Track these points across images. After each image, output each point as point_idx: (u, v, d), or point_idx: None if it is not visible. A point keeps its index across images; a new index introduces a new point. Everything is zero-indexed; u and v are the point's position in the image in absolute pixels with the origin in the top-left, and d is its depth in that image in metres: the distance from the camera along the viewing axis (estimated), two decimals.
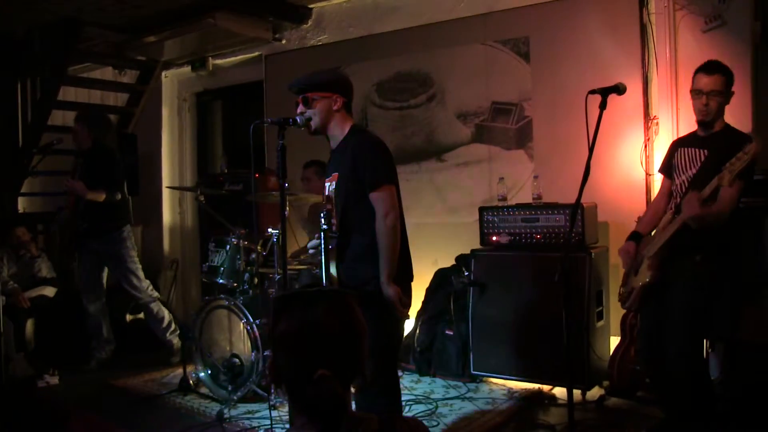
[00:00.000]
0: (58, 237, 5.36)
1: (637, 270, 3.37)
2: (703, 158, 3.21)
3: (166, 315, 5.41)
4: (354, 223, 2.98)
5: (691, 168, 3.26)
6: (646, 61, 4.46)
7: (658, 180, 4.35)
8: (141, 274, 5.39)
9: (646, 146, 4.46)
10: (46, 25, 6.04)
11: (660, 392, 3.51)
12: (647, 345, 3.47)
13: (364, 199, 2.93)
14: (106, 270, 5.42)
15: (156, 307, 5.38)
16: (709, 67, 3.23)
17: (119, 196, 5.23)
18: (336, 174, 3.03)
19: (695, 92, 3.23)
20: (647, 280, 3.25)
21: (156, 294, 5.45)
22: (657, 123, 4.43)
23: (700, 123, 3.29)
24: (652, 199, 4.31)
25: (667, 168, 3.49)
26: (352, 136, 3.03)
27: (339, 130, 3.04)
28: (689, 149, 3.31)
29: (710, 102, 3.19)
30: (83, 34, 6.05)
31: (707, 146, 3.22)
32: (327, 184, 3.12)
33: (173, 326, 5.44)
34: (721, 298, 3.24)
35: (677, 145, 3.45)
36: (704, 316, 3.19)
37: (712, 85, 3.19)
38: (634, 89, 4.35)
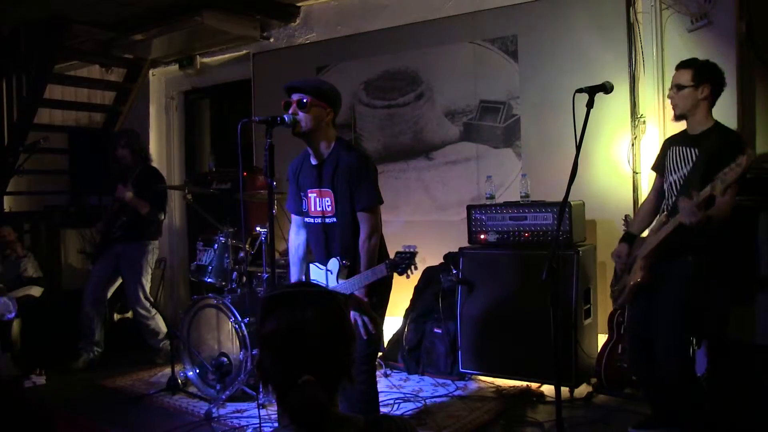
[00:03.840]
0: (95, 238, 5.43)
1: (630, 269, 3.39)
2: (694, 157, 3.23)
3: (162, 328, 5.36)
4: (356, 238, 3.11)
5: (682, 167, 3.27)
6: (634, 60, 4.48)
7: (645, 179, 4.39)
8: (147, 290, 5.38)
9: (633, 145, 4.48)
10: (33, 23, 5.99)
11: (647, 389, 3.54)
12: (635, 342, 3.50)
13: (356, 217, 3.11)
14: (117, 281, 5.42)
15: (153, 323, 5.36)
16: (680, 63, 3.30)
17: (162, 217, 5.36)
18: (329, 191, 3.12)
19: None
20: (638, 279, 3.28)
21: (154, 312, 5.40)
22: (644, 122, 4.46)
23: (674, 118, 3.35)
24: (640, 197, 4.34)
25: (659, 166, 3.51)
26: (341, 151, 3.12)
27: (324, 143, 3.14)
28: (680, 148, 3.32)
29: (675, 95, 3.26)
30: (70, 32, 6.00)
31: (698, 145, 3.23)
32: (313, 196, 3.17)
33: (164, 335, 5.43)
34: (711, 297, 3.26)
35: (669, 143, 3.47)
36: (693, 314, 3.21)
37: (677, 78, 3.27)
38: (621, 88, 4.37)
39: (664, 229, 3.18)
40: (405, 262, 2.81)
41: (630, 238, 3.52)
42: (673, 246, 3.17)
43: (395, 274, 2.95)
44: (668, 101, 4.07)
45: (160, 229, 5.51)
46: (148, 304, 5.35)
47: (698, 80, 3.21)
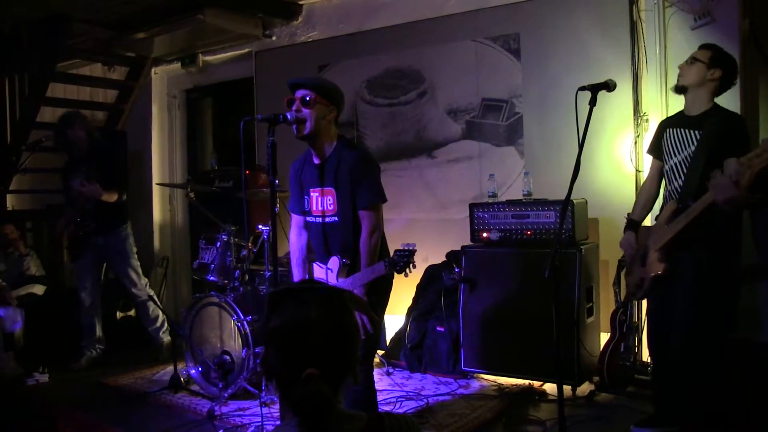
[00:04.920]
0: (63, 237, 5.41)
1: (643, 260, 3.38)
2: (695, 139, 3.23)
3: (160, 314, 5.41)
4: (356, 237, 3.10)
5: (683, 150, 3.27)
6: (636, 58, 4.47)
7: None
8: (140, 271, 5.42)
9: (635, 143, 4.47)
10: (35, 21, 5.99)
11: (659, 380, 3.52)
12: (653, 332, 3.52)
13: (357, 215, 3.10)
14: (103, 268, 5.41)
15: (151, 305, 5.38)
16: (703, 44, 3.35)
17: (125, 197, 5.30)
18: (332, 189, 3.11)
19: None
20: (659, 272, 3.27)
21: (152, 292, 5.43)
22: (647, 120, 4.45)
23: (674, 88, 3.36)
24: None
25: (656, 149, 3.51)
26: (343, 149, 3.12)
27: (327, 142, 3.13)
28: (679, 130, 3.32)
29: (686, 66, 3.29)
30: (72, 30, 6.01)
31: (698, 126, 3.23)
32: (315, 195, 3.17)
33: (165, 326, 5.44)
34: (721, 293, 3.26)
35: (665, 125, 3.46)
36: (708, 313, 3.20)
37: (695, 54, 3.29)
38: (624, 86, 4.37)
39: (682, 220, 3.16)
40: (404, 260, 2.81)
41: (634, 224, 3.52)
42: (685, 237, 3.16)
43: (395, 274, 2.96)
44: (671, 99, 4.08)
45: (127, 210, 5.46)
46: (143, 283, 5.38)
47: (714, 62, 3.23)
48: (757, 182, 3.35)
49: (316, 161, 3.17)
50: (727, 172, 2.93)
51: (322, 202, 3.15)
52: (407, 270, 2.83)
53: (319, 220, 3.18)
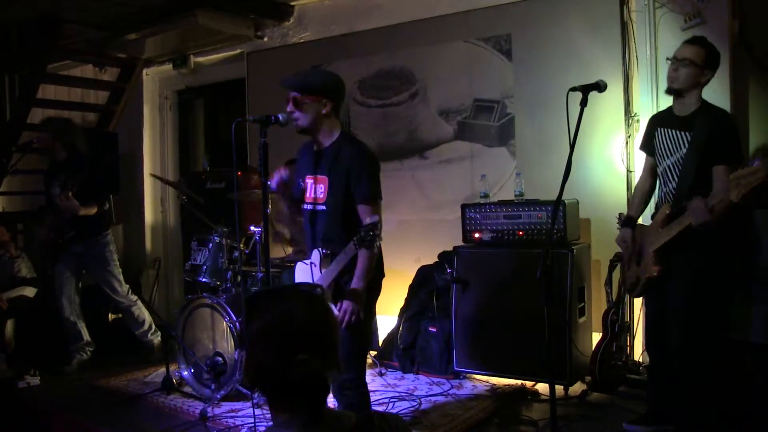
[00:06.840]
0: (44, 243, 5.33)
1: (639, 259, 3.41)
2: (686, 141, 3.25)
3: (147, 317, 5.37)
4: (343, 228, 3.06)
5: (675, 152, 3.30)
6: (627, 58, 4.49)
7: (638, 176, 4.39)
8: (121, 278, 5.34)
9: (627, 143, 4.49)
10: (25, 22, 5.96)
11: (655, 378, 3.54)
12: (650, 331, 3.55)
13: (353, 208, 3.05)
14: (82, 274, 5.37)
15: (137, 310, 5.35)
16: (690, 39, 3.31)
17: (107, 205, 5.21)
18: (325, 177, 3.10)
19: (670, 60, 3.30)
20: (654, 274, 3.30)
21: (135, 297, 5.39)
22: (638, 120, 4.47)
23: (667, 90, 3.34)
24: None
25: (647, 146, 3.54)
26: (343, 143, 3.11)
27: (327, 134, 3.11)
28: (670, 131, 3.34)
29: (679, 68, 3.24)
30: (63, 31, 5.98)
31: (689, 127, 3.25)
32: (309, 182, 3.16)
33: (153, 328, 5.41)
34: (718, 296, 3.28)
35: (656, 123, 3.48)
36: (702, 314, 3.23)
37: (686, 53, 3.24)
38: (615, 87, 4.39)
39: (674, 227, 3.19)
40: (370, 233, 2.79)
41: (631, 221, 3.54)
42: (681, 239, 3.19)
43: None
44: (662, 100, 4.09)
45: (111, 216, 5.38)
46: (125, 290, 5.33)
47: (707, 63, 3.22)
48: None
49: (315, 148, 3.17)
50: (715, 190, 3.01)
51: (314, 189, 3.15)
52: (375, 244, 2.83)
53: (310, 207, 3.17)
